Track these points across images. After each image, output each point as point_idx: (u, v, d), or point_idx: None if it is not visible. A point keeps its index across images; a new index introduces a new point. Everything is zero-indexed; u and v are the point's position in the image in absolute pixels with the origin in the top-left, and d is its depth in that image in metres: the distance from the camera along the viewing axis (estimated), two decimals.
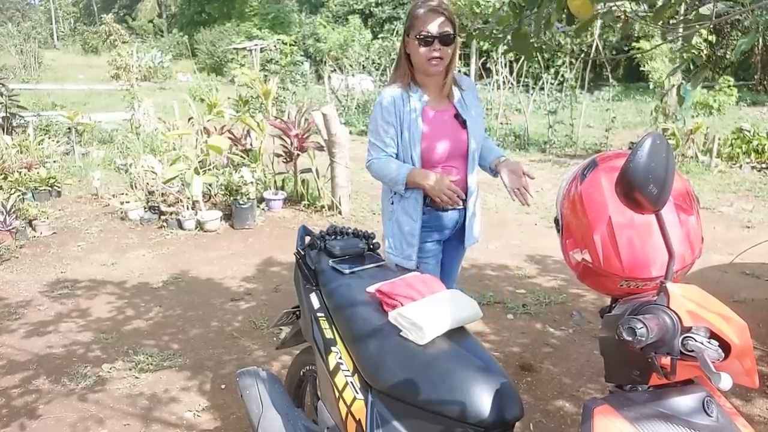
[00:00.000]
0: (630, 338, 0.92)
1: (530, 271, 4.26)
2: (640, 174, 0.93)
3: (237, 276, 4.19)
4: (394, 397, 1.35)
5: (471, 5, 9.99)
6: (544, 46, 2.29)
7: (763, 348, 3.04)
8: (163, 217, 5.33)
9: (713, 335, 0.96)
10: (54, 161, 7.16)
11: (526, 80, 10.99)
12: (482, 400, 1.22)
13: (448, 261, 2.27)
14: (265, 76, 9.28)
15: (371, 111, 2.21)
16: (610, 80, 10.80)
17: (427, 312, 1.41)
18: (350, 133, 6.31)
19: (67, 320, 3.46)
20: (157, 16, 41.96)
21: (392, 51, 13.54)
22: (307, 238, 1.94)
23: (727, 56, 18.19)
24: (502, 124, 10.57)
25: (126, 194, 5.72)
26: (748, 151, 7.88)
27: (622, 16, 2.27)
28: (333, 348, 1.59)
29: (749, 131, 8.00)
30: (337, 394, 1.52)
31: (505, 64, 10.96)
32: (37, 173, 6.14)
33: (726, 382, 0.86)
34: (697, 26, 2.06)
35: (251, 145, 6.39)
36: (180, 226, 5.20)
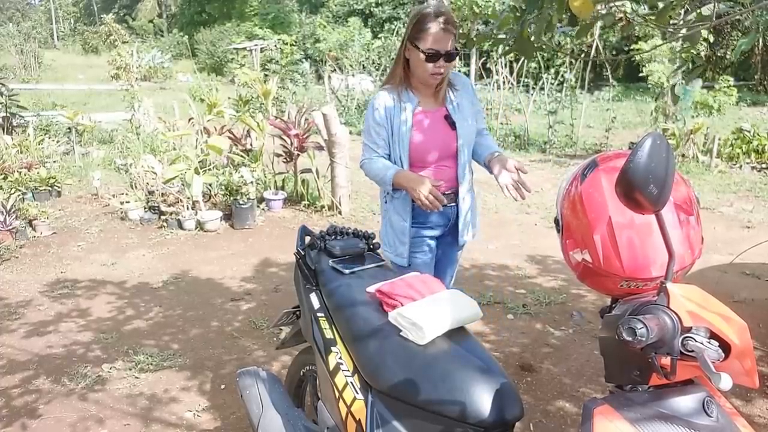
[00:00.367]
0: (630, 338, 0.92)
1: (530, 271, 4.26)
2: (640, 174, 0.93)
3: (237, 276, 4.19)
4: (394, 397, 1.35)
5: (471, 5, 10.00)
6: (544, 47, 2.29)
7: (763, 348, 3.04)
8: (163, 217, 5.33)
9: (713, 335, 0.96)
10: (54, 161, 7.15)
11: (526, 80, 10.98)
12: (482, 400, 1.22)
13: (443, 258, 2.28)
14: (265, 76, 9.29)
15: None
16: (610, 80, 10.79)
17: (427, 312, 1.41)
18: (350, 133, 6.30)
19: (67, 320, 3.46)
20: (157, 16, 41.96)
21: (392, 51, 13.54)
22: (307, 238, 1.94)
23: (727, 56, 18.20)
24: (502, 124, 10.57)
25: (126, 194, 5.72)
26: (748, 151, 7.88)
27: (623, 17, 2.27)
28: (333, 348, 1.59)
29: (749, 131, 8.00)
30: (337, 394, 1.52)
31: (505, 64, 10.96)
32: (37, 173, 6.13)
33: (726, 382, 0.86)
34: (698, 27, 2.06)
35: (251, 145, 6.38)
36: (180, 226, 5.21)
